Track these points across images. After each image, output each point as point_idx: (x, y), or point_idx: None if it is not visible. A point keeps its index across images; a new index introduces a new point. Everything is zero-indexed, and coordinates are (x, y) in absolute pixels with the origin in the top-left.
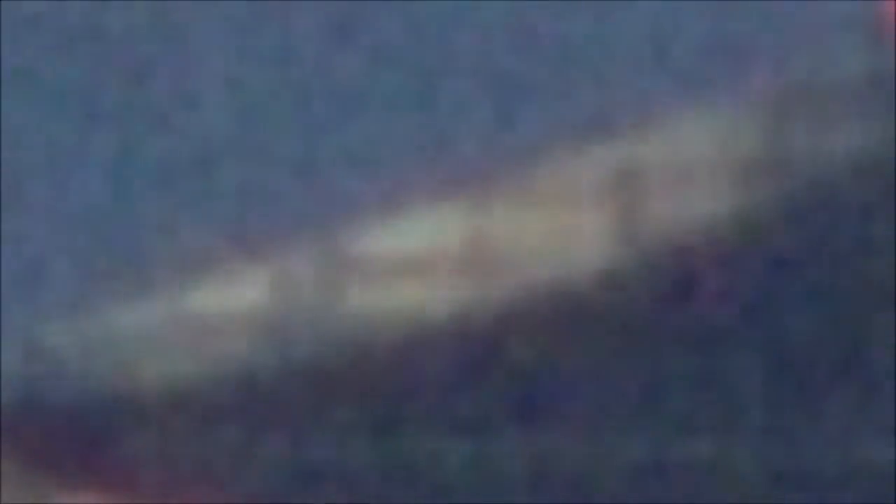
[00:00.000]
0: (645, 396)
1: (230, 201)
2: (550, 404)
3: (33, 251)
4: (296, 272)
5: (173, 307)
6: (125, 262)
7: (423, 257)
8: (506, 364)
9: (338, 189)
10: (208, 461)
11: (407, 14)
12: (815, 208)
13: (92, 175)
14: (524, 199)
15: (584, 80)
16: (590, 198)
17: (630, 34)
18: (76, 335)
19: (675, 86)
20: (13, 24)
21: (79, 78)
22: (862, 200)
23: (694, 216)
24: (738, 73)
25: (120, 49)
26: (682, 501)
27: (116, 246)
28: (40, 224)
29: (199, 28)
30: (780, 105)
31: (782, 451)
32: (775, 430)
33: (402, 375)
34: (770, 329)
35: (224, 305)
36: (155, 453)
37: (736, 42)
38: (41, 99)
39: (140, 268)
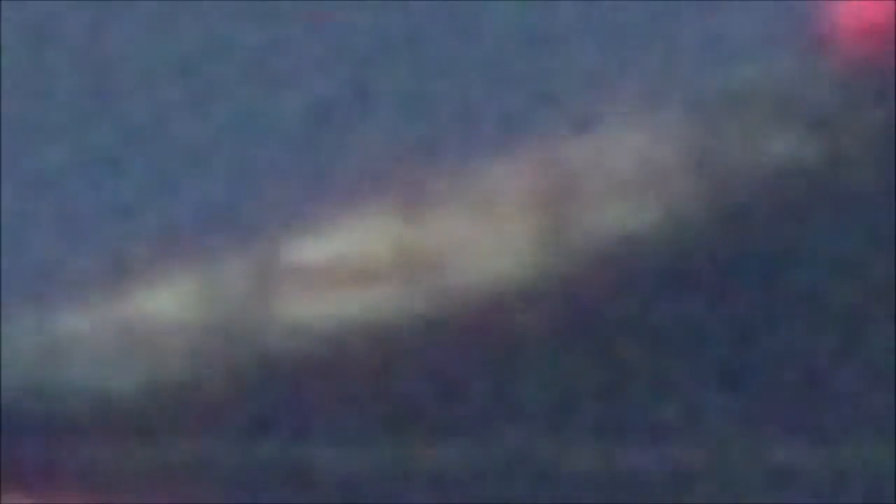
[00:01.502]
0: (567, 404)
1: (161, 208)
2: (479, 413)
3: None
4: (226, 280)
5: (103, 315)
6: (50, 270)
7: (353, 265)
8: (433, 372)
9: (268, 197)
10: (141, 473)
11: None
12: (744, 217)
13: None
14: (454, 206)
15: (511, 88)
16: (519, 205)
17: (557, 40)
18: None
19: (604, 93)
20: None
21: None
22: (791, 208)
23: (623, 225)
24: (669, 80)
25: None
26: None
27: (41, 252)
28: None
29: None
30: (712, 112)
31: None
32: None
33: (333, 383)
34: (699, 338)
35: (155, 314)
36: (88, 465)
37: (665, 48)
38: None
39: (67, 274)
